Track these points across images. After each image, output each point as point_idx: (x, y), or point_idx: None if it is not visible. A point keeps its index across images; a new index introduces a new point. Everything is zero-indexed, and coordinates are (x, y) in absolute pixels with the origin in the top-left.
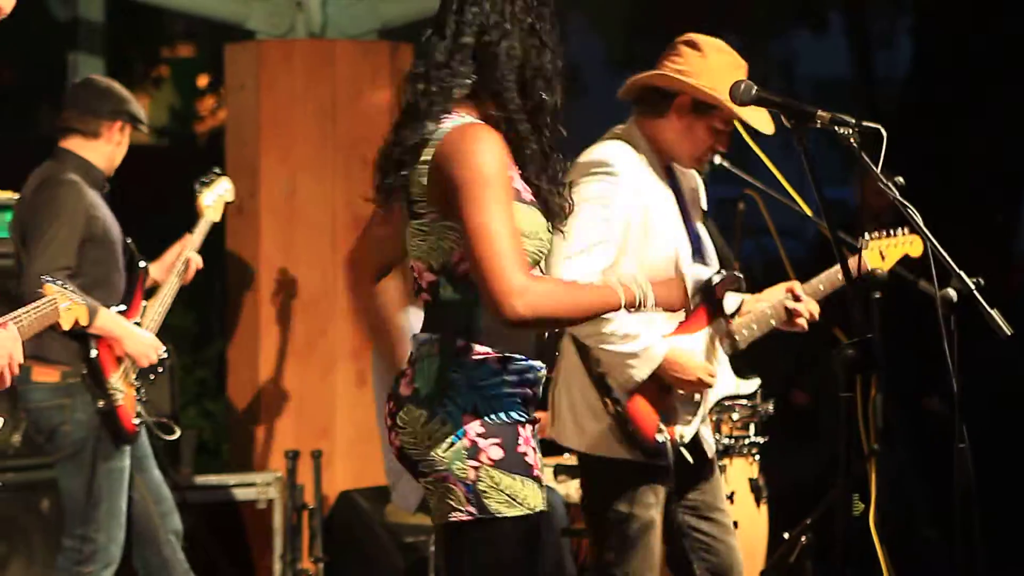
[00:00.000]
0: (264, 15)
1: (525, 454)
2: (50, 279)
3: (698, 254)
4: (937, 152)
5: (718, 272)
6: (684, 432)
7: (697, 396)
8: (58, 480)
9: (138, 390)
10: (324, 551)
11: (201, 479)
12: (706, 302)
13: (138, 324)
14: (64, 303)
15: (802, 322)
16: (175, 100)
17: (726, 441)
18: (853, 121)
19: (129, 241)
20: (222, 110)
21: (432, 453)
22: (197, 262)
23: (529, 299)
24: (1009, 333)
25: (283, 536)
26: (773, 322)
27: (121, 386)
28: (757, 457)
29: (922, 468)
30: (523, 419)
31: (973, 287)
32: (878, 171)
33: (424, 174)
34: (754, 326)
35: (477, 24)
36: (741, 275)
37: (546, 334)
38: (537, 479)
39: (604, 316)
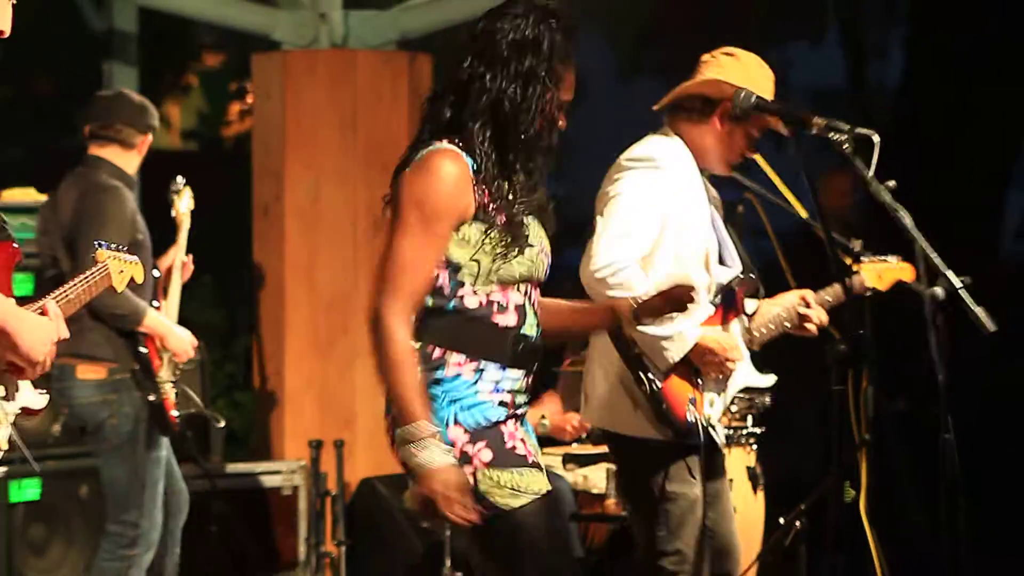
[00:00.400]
0: (289, 26)
1: (514, 448)
2: (102, 244)
3: (723, 256)
4: (927, 157)
5: (739, 275)
6: (711, 414)
7: (723, 379)
8: (102, 470)
9: (175, 383)
10: (346, 535)
11: (230, 467)
12: (726, 302)
13: None
14: (117, 267)
15: (812, 327)
16: (204, 107)
17: (726, 432)
18: (847, 127)
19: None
20: (248, 117)
21: None
22: (189, 264)
23: (384, 326)
24: (993, 329)
25: (307, 521)
26: (787, 325)
27: (167, 380)
28: (755, 446)
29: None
30: (503, 418)
31: (960, 286)
32: (871, 175)
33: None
34: (770, 327)
35: (468, 62)
36: (757, 279)
37: (522, 344)
38: (534, 465)
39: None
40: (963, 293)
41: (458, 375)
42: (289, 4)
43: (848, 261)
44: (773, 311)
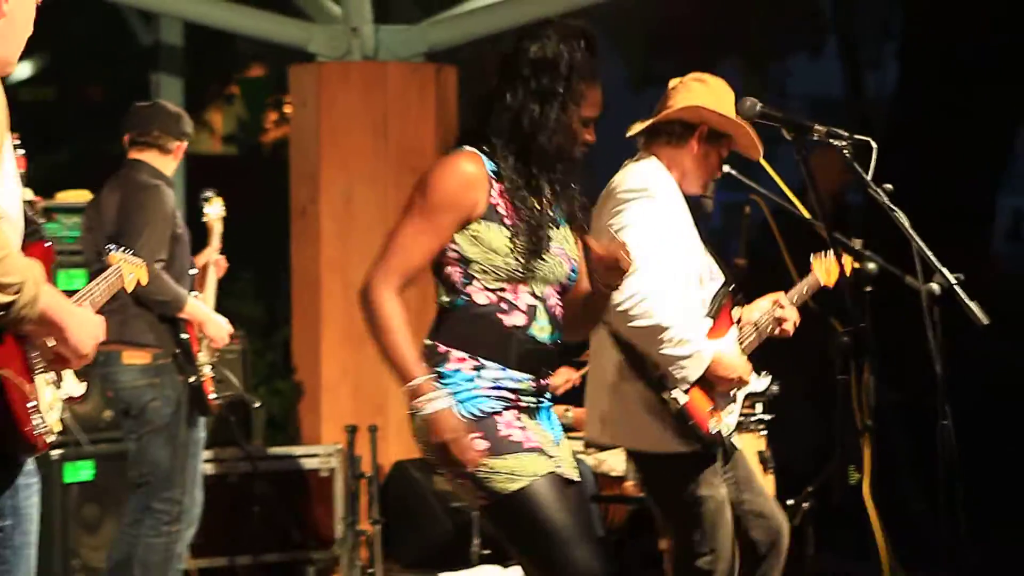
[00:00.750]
0: (324, 39)
1: (509, 435)
2: (113, 246)
3: (711, 270)
4: (921, 163)
5: (723, 286)
6: (729, 422)
7: (734, 392)
8: (145, 451)
9: (212, 367)
10: (380, 514)
11: (271, 451)
12: (719, 313)
13: None
14: (128, 269)
15: (788, 327)
16: (244, 115)
17: (738, 418)
18: (846, 134)
19: None
20: (285, 124)
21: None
22: (223, 262)
23: (372, 296)
24: (986, 323)
25: (344, 501)
26: (769, 329)
27: (206, 363)
28: (764, 432)
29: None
30: (499, 408)
31: (954, 281)
32: (869, 178)
33: None
34: (757, 334)
35: (494, 79)
36: (737, 289)
37: (528, 345)
38: (532, 450)
39: (664, 324)
40: (958, 288)
41: (457, 370)
42: (324, 19)
43: (849, 259)
44: (754, 317)
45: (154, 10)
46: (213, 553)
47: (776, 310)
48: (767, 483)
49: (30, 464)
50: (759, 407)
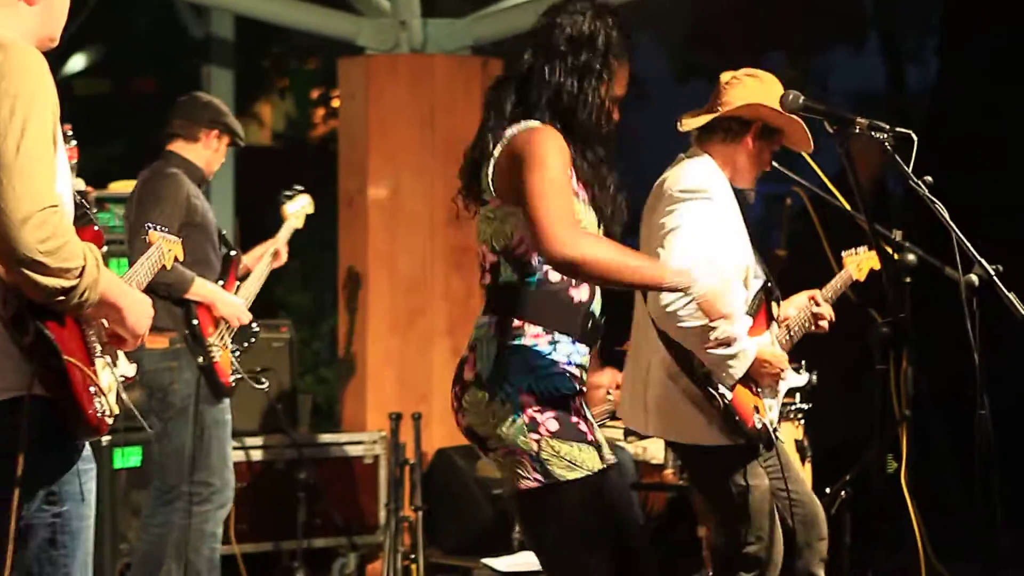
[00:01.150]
0: (372, 33)
1: (578, 423)
2: (152, 225)
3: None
4: (961, 156)
5: (764, 284)
6: (772, 417)
7: (776, 386)
8: (170, 435)
9: (234, 352)
10: (423, 501)
11: (317, 438)
12: (759, 310)
13: None
14: (166, 247)
15: (824, 324)
16: (293, 108)
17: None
18: (887, 127)
19: (224, 232)
20: (333, 116)
21: (497, 430)
22: (283, 254)
23: (573, 245)
24: None
25: (387, 487)
26: (806, 326)
27: (218, 345)
28: (802, 421)
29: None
30: (573, 392)
31: (993, 273)
32: (909, 170)
33: (492, 166)
34: (795, 330)
35: (528, 54)
36: (775, 287)
37: (591, 321)
38: (592, 443)
39: (710, 324)
40: (996, 280)
41: (535, 344)
42: (372, 13)
43: (889, 250)
44: (791, 314)
45: (206, 4)
46: (258, 538)
47: (812, 306)
48: (805, 472)
49: (87, 450)
50: (797, 396)
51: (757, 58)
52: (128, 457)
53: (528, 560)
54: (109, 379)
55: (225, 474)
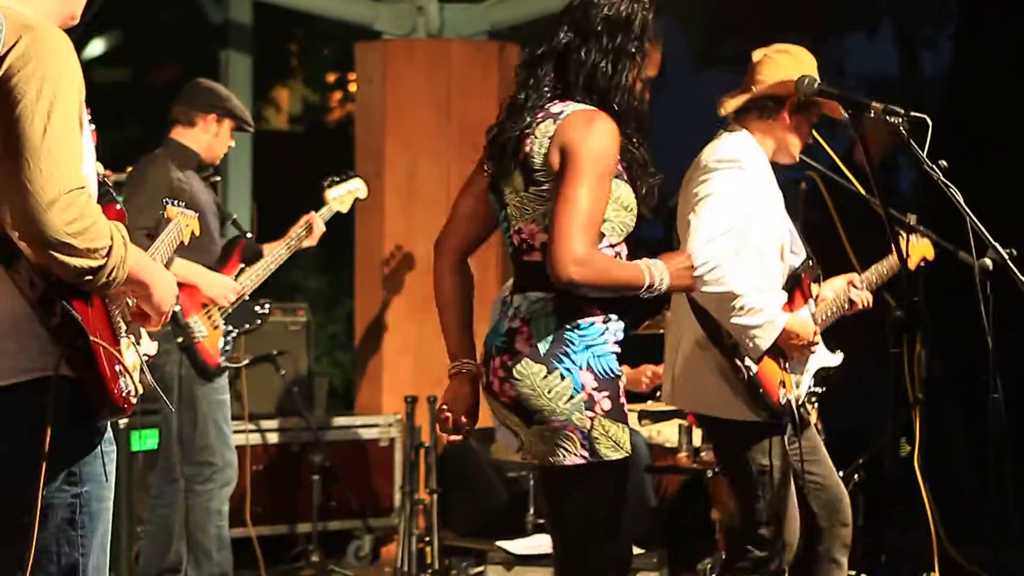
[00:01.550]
0: (390, 18)
1: (624, 405)
2: (170, 201)
3: (792, 244)
4: (975, 140)
5: (804, 262)
6: (799, 393)
7: (806, 361)
8: (169, 418)
9: (227, 333)
10: (438, 484)
11: (332, 420)
12: (796, 287)
13: None
14: (184, 222)
15: (859, 307)
16: (311, 93)
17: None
18: (902, 111)
19: (235, 216)
20: (350, 101)
21: (554, 404)
22: (320, 226)
23: (585, 270)
24: None
25: (402, 470)
26: (844, 307)
27: (202, 326)
28: (816, 405)
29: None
30: (620, 373)
31: (1007, 257)
32: (924, 155)
33: (546, 147)
34: (831, 311)
35: (563, 32)
36: (817, 266)
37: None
38: (627, 425)
39: (737, 291)
40: (1010, 264)
41: (592, 323)
42: None
43: (903, 233)
44: (828, 296)
45: None
46: (274, 521)
47: (851, 290)
48: (818, 440)
49: (109, 432)
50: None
51: (775, 43)
52: (145, 440)
53: (542, 543)
54: (133, 358)
55: (226, 453)
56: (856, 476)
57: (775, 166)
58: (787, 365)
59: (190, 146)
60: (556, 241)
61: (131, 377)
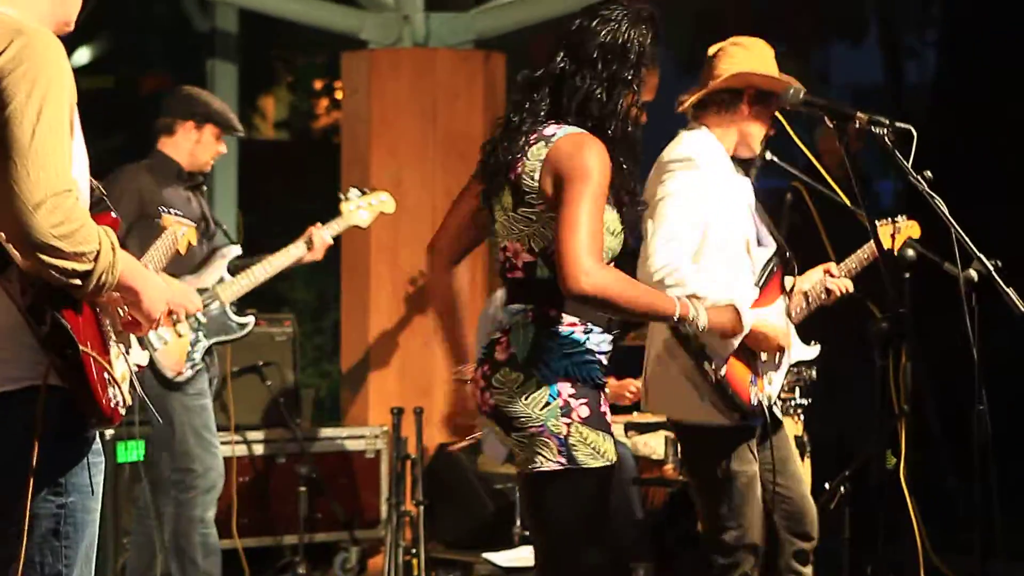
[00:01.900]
0: (375, 27)
1: (605, 413)
2: (166, 210)
3: (760, 238)
4: (960, 149)
5: (775, 254)
6: (771, 392)
7: (777, 359)
8: (156, 429)
9: (195, 342)
10: (424, 495)
11: (318, 432)
12: (767, 282)
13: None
14: (180, 229)
15: (836, 295)
16: (297, 101)
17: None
18: (887, 122)
19: (224, 226)
20: (337, 108)
21: (529, 411)
22: (326, 239)
23: (595, 279)
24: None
25: (389, 482)
26: (821, 298)
27: (165, 334)
28: (802, 417)
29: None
30: (602, 382)
31: (991, 268)
32: (909, 165)
33: (537, 169)
34: (806, 302)
35: (560, 57)
36: (791, 257)
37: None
38: (610, 435)
39: (700, 295)
40: (995, 275)
41: (572, 332)
42: (375, 7)
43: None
44: (804, 287)
45: None
46: (260, 533)
47: (827, 280)
48: (804, 468)
49: (97, 443)
50: (796, 392)
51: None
52: (131, 451)
53: (529, 555)
54: (123, 368)
55: (206, 458)
56: (842, 488)
57: (763, 172)
58: (757, 364)
59: (171, 155)
60: (564, 257)
61: (120, 387)
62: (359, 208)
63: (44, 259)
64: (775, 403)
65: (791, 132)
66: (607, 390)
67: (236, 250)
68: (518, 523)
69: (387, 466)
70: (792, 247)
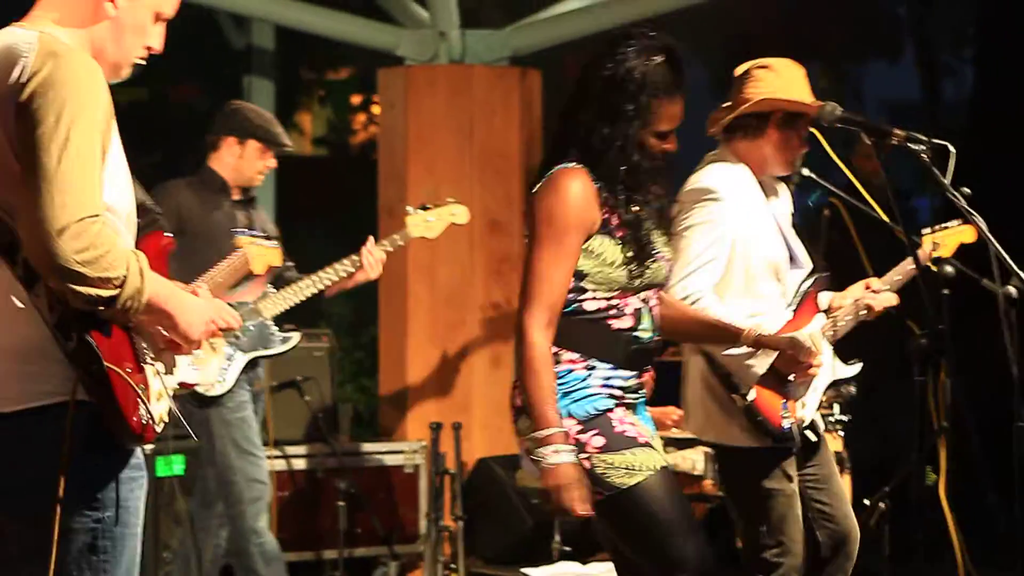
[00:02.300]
0: (412, 44)
1: (624, 431)
2: (241, 231)
3: (793, 259)
4: (998, 166)
5: (811, 273)
6: (804, 415)
7: (810, 380)
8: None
9: (228, 357)
10: (463, 511)
11: (357, 447)
12: (806, 301)
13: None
14: (256, 252)
15: (878, 311)
16: (333, 117)
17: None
18: (925, 139)
19: (275, 239)
20: (373, 125)
21: None
22: (378, 255)
23: (527, 336)
24: None
25: (427, 497)
26: (861, 314)
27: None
28: (842, 433)
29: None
30: (611, 406)
31: None
32: (948, 182)
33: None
34: (845, 319)
35: (571, 96)
36: (828, 275)
37: (634, 346)
38: (646, 444)
39: (720, 321)
40: None
41: (570, 370)
42: (412, 23)
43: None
44: (845, 303)
45: (247, 14)
46: (299, 547)
47: (867, 296)
48: (844, 484)
49: (138, 458)
50: (836, 408)
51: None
52: (171, 465)
53: (568, 570)
54: (158, 387)
55: (249, 470)
56: (881, 505)
57: (799, 188)
58: (788, 389)
59: (217, 170)
60: (522, 297)
61: (153, 405)
62: (426, 220)
63: (67, 284)
64: (810, 426)
65: (828, 149)
66: (621, 411)
67: (285, 264)
68: (557, 538)
69: (426, 481)
70: (830, 264)
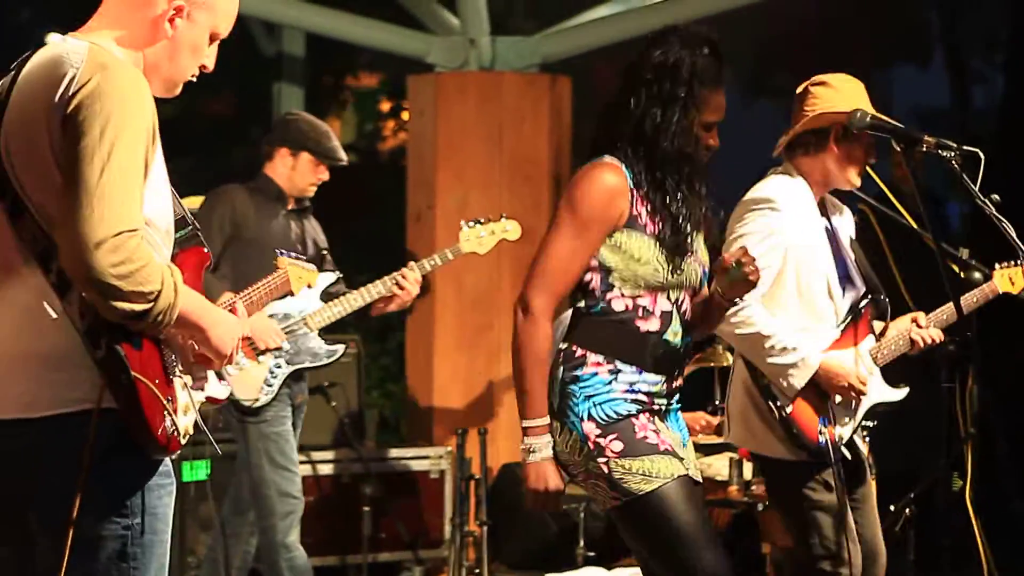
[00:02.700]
0: (442, 50)
1: (645, 437)
2: (283, 252)
3: (846, 279)
4: None
5: (864, 297)
6: (842, 433)
7: (853, 403)
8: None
9: (274, 367)
10: (488, 516)
11: (383, 452)
12: (854, 323)
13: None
14: (296, 273)
15: (921, 346)
16: (363, 123)
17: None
18: (955, 146)
19: (324, 251)
20: (402, 132)
21: (571, 457)
22: (410, 284)
23: (529, 319)
24: None
25: (453, 502)
26: (903, 345)
27: (242, 360)
28: (868, 439)
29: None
30: (634, 411)
31: None
32: (976, 189)
33: None
34: (891, 348)
35: (620, 86)
36: (886, 300)
37: (662, 350)
38: (666, 452)
39: (764, 332)
40: None
41: (595, 373)
42: (442, 30)
43: (955, 268)
44: (892, 334)
45: (278, 21)
46: (325, 552)
47: (913, 329)
48: (870, 488)
49: (166, 465)
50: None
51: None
52: (197, 471)
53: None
54: (186, 399)
55: (281, 484)
56: (907, 511)
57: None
58: (830, 406)
59: (273, 179)
60: (525, 282)
61: (179, 418)
62: (479, 236)
63: (101, 296)
64: (848, 445)
65: None
66: (645, 417)
67: (331, 277)
68: (581, 544)
69: (451, 486)
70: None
